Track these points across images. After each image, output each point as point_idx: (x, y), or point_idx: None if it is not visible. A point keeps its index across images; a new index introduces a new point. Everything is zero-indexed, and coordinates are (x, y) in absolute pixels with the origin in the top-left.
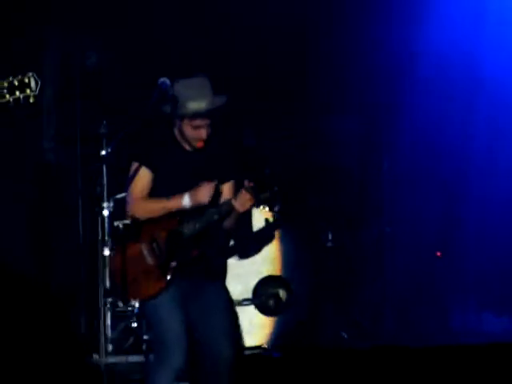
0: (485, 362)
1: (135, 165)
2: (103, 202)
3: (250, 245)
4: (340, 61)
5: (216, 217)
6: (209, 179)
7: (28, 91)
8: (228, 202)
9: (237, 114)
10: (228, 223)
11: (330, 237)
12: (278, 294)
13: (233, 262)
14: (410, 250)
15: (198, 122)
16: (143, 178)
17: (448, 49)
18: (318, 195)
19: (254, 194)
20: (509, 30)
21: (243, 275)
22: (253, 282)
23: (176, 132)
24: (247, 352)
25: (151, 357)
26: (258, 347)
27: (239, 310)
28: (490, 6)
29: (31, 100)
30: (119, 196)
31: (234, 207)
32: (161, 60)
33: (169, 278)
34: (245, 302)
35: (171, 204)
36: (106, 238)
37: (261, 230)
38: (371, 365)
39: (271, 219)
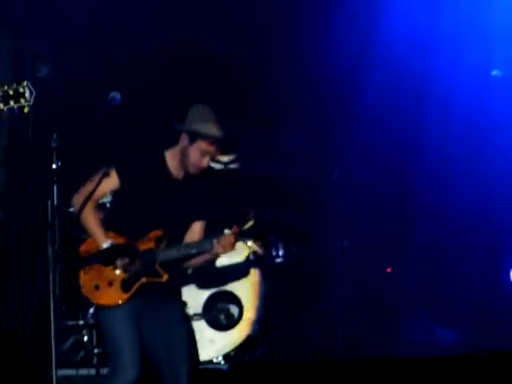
0: (435, 374)
1: (110, 169)
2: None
3: (214, 278)
4: (289, 73)
5: (194, 252)
6: (183, 211)
7: (23, 101)
8: (210, 241)
9: None
10: (199, 260)
11: (280, 252)
12: (228, 310)
13: None
14: (361, 263)
15: (209, 147)
16: (109, 183)
17: (399, 60)
18: (269, 209)
19: (239, 240)
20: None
21: (193, 290)
22: (203, 296)
23: (172, 153)
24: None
25: (104, 370)
26: (209, 362)
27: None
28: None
29: (25, 110)
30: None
31: (214, 248)
32: (113, 71)
33: (131, 293)
34: (195, 317)
35: (98, 239)
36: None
37: (235, 266)
38: (322, 380)
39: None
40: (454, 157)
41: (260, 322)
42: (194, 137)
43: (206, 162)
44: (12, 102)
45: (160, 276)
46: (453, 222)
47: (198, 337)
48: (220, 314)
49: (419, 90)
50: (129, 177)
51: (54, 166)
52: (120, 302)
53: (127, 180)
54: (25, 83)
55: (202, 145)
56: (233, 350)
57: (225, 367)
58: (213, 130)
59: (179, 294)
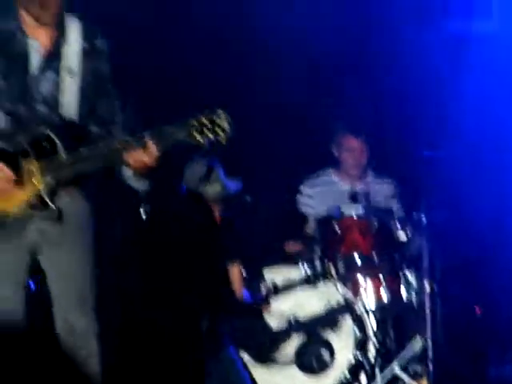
0: None
1: None
2: None
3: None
4: None
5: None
6: None
7: (219, 131)
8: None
9: None
10: None
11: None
12: (320, 353)
13: None
14: (449, 303)
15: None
16: None
17: None
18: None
19: None
20: None
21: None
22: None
23: None
24: None
25: None
26: None
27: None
28: None
29: (223, 141)
30: None
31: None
32: None
33: None
34: (287, 363)
35: None
36: None
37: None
38: None
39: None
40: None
41: (352, 366)
42: None
43: None
44: (208, 133)
45: None
46: None
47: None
48: (312, 357)
49: None
50: None
51: None
52: None
53: None
54: (221, 112)
55: None
56: None
57: None
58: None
59: None
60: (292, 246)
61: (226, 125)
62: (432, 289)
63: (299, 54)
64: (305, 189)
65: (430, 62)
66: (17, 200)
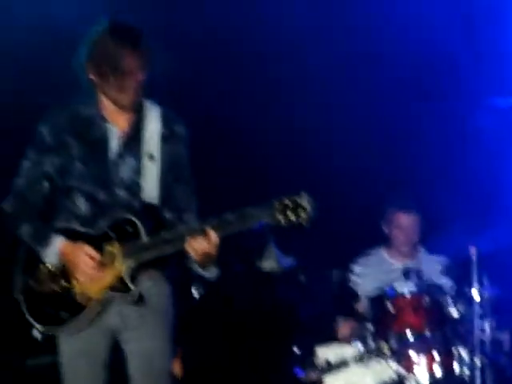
0: None
1: None
2: None
3: None
4: None
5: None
6: None
7: (302, 213)
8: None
9: None
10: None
11: None
12: None
13: None
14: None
15: None
16: None
17: None
18: None
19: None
20: None
21: None
22: None
23: None
24: None
25: None
26: None
27: None
28: None
29: (305, 223)
30: None
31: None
32: None
33: None
34: None
35: None
36: None
37: None
38: None
39: None
40: None
41: None
42: None
43: None
44: (291, 215)
45: None
46: None
47: None
48: None
49: None
50: None
51: None
52: None
53: None
54: (304, 195)
55: None
56: None
57: None
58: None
59: None
60: (344, 324)
61: (308, 207)
62: (483, 364)
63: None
64: (356, 267)
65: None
66: (100, 283)
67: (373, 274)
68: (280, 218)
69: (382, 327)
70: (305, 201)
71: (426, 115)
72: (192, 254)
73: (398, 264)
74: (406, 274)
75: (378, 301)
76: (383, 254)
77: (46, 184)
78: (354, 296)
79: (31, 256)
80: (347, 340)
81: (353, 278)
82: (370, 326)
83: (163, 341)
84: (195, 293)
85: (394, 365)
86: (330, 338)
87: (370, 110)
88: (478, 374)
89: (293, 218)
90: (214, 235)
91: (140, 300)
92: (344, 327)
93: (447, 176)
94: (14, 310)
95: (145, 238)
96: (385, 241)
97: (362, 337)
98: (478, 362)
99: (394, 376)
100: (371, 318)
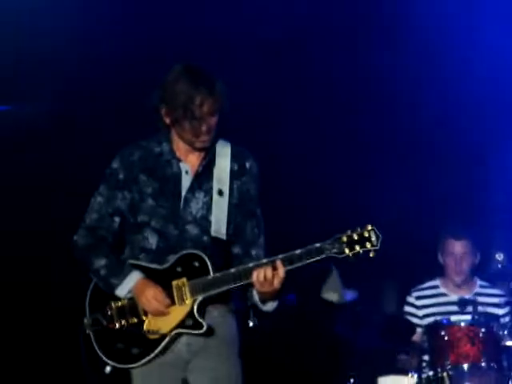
0: None
1: None
2: None
3: None
4: None
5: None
6: None
7: (369, 246)
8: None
9: None
10: None
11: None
12: None
13: None
14: None
15: None
16: None
17: None
18: None
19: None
20: None
21: None
22: None
23: None
24: None
25: None
26: None
27: None
28: None
29: (371, 255)
30: None
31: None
32: None
33: None
34: None
35: None
36: None
37: None
38: None
39: None
40: None
41: None
42: None
43: None
44: (358, 247)
45: None
46: None
47: None
48: None
49: None
50: None
51: None
52: None
53: None
54: (370, 227)
55: None
56: None
57: None
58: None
59: None
60: (402, 356)
61: (375, 239)
62: None
63: None
64: (412, 299)
65: None
66: (170, 319)
67: (428, 306)
68: (347, 251)
69: (439, 358)
70: (371, 233)
71: None
72: (257, 285)
73: (453, 296)
74: (462, 305)
75: (434, 331)
76: (439, 285)
77: (116, 219)
78: (410, 327)
79: (99, 292)
80: (405, 371)
81: (408, 309)
82: (426, 357)
83: (230, 369)
84: (251, 323)
85: None
86: (388, 370)
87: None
88: None
89: (360, 250)
90: (281, 268)
91: (209, 332)
92: (402, 356)
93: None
94: None
95: (213, 273)
96: (441, 272)
97: (418, 368)
98: None
99: None
100: (427, 348)
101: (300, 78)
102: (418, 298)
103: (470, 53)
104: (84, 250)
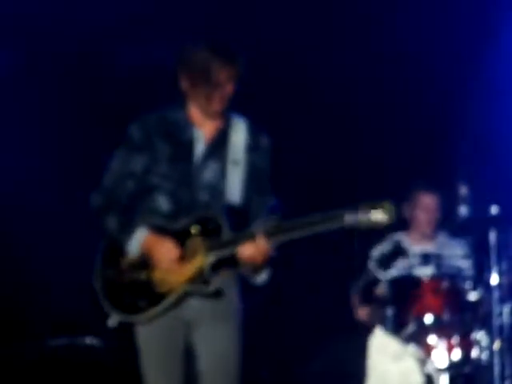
0: None
1: None
2: None
3: None
4: None
5: None
6: None
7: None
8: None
9: None
10: None
11: None
12: None
13: None
14: None
15: None
16: None
17: None
18: None
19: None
20: None
21: None
22: None
23: None
24: None
25: None
26: None
27: None
28: None
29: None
30: None
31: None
32: None
33: None
34: None
35: None
36: None
37: None
38: None
39: None
40: None
41: None
42: None
43: None
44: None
45: None
46: None
47: None
48: None
49: None
50: None
51: None
52: None
53: None
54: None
55: None
56: None
57: None
58: None
59: None
60: (362, 308)
61: (390, 209)
62: (502, 348)
63: None
64: (375, 253)
65: None
66: (180, 275)
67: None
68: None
69: (402, 311)
70: (386, 204)
71: None
72: (244, 260)
73: (417, 248)
74: (426, 258)
75: (397, 284)
76: (402, 238)
77: (132, 181)
78: (373, 281)
79: (112, 248)
80: (367, 324)
81: (372, 263)
82: (389, 310)
83: (232, 337)
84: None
85: (413, 348)
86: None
87: None
88: (496, 358)
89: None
90: (262, 242)
91: (218, 294)
92: (362, 311)
93: None
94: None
95: (227, 234)
96: (404, 226)
97: (381, 321)
98: (496, 346)
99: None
100: (390, 302)
101: None
102: (381, 251)
103: None
104: (98, 209)
